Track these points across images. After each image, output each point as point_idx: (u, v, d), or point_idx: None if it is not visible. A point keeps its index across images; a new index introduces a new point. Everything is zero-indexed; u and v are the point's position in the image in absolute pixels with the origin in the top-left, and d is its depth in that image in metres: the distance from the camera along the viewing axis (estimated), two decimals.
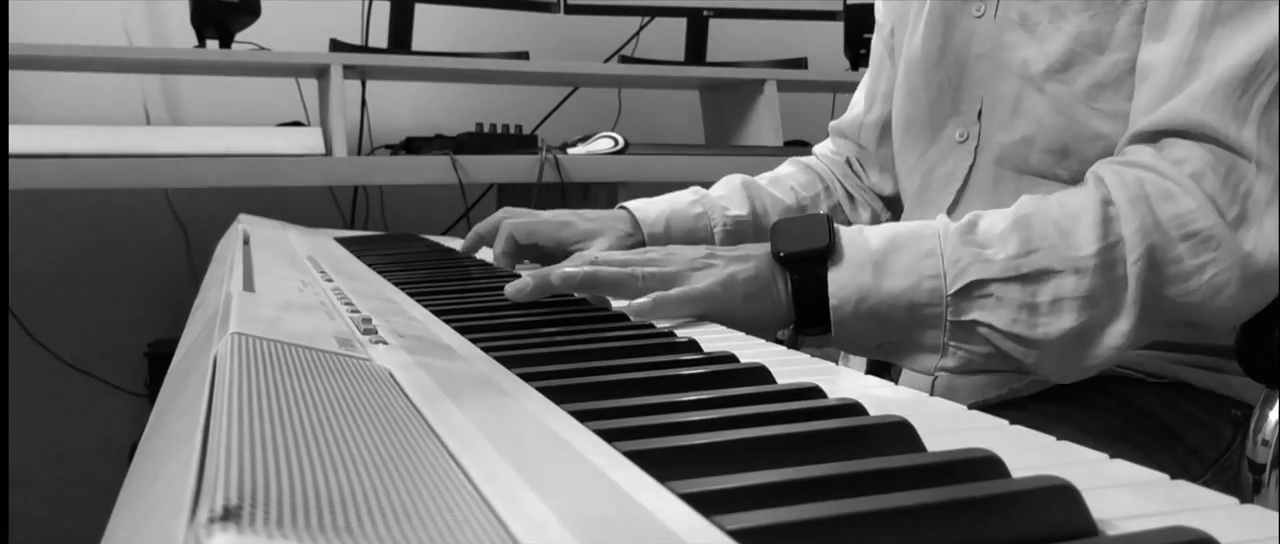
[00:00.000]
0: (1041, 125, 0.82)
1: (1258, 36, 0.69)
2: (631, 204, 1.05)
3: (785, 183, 1.10)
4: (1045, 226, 0.70)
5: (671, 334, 0.63)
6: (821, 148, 1.17)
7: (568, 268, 0.75)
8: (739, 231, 1.03)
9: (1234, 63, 0.69)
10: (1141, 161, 0.71)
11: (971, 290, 0.70)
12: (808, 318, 0.73)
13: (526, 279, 0.74)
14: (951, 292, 0.70)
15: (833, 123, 1.16)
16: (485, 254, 1.11)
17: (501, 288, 0.81)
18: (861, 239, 0.73)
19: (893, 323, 0.71)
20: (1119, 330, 0.69)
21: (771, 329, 0.74)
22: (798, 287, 0.73)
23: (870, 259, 0.72)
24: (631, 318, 0.71)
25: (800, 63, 2.12)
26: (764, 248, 0.76)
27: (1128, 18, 0.77)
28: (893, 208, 1.11)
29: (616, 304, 0.75)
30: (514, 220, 1.02)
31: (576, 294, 0.77)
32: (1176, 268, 0.69)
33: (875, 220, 1.10)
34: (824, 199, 1.11)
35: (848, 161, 1.13)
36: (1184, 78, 0.72)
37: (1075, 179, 0.79)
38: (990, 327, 0.70)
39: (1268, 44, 0.69)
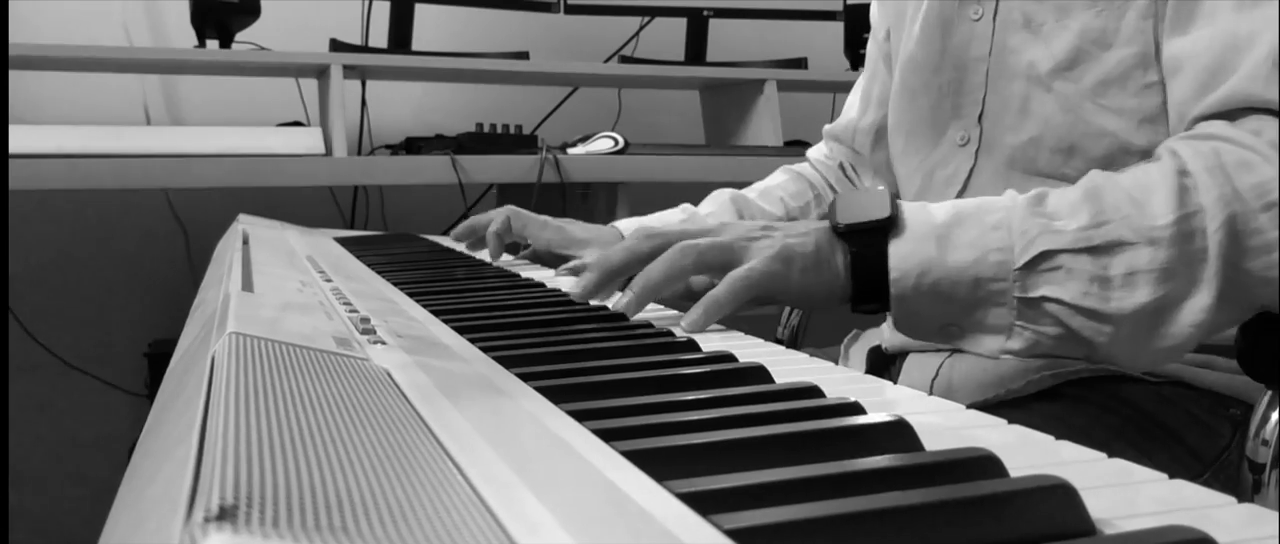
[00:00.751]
0: (1049, 125, 0.82)
1: None
2: (621, 223, 1.09)
3: (774, 194, 1.11)
4: (1118, 197, 0.67)
5: (670, 333, 0.63)
6: (815, 152, 1.18)
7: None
8: None
9: None
10: (1216, 133, 0.69)
11: (1039, 262, 0.67)
12: (865, 293, 0.70)
13: (589, 275, 0.75)
14: (1019, 264, 0.67)
15: (827, 126, 1.16)
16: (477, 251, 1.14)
17: (501, 288, 0.81)
18: (925, 213, 0.70)
19: (956, 300, 0.68)
20: (1198, 306, 0.66)
21: (827, 306, 0.71)
22: (857, 259, 0.70)
23: (934, 232, 0.69)
24: (685, 331, 0.69)
25: (800, 63, 2.12)
26: (822, 223, 0.73)
27: (1134, 12, 0.77)
28: None
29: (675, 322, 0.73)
30: (515, 210, 1.07)
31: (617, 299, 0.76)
32: (1259, 239, 0.65)
33: None
34: (814, 208, 1.11)
35: (841, 166, 1.13)
36: (1233, 58, 0.69)
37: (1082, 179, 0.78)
38: (1059, 302, 0.66)
39: None
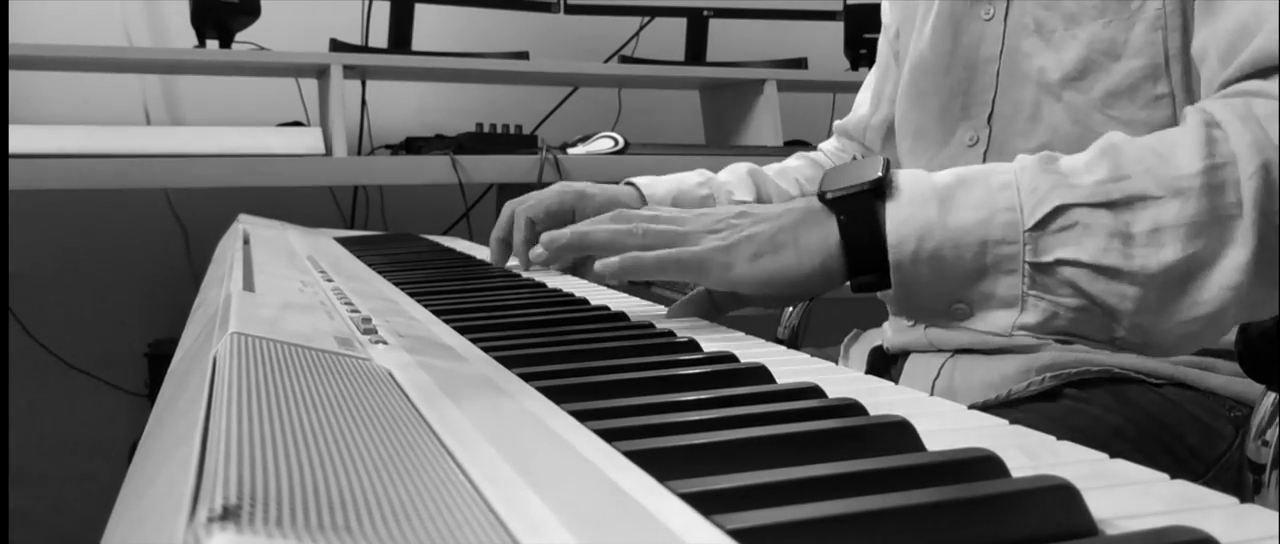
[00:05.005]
0: (1058, 134, 0.81)
1: None
2: (639, 179, 1.05)
3: (791, 175, 1.11)
4: (1138, 151, 0.61)
5: (671, 334, 0.63)
6: (827, 145, 1.18)
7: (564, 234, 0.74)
8: None
9: None
10: (1247, 89, 0.64)
11: (1053, 219, 0.60)
12: (860, 264, 0.64)
13: (540, 250, 0.75)
14: (1030, 225, 0.61)
15: (838, 122, 1.16)
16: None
17: (501, 288, 0.81)
18: (925, 176, 0.64)
19: (961, 270, 0.62)
20: (1233, 264, 0.58)
21: (821, 284, 0.66)
22: (846, 228, 0.64)
23: (935, 194, 0.62)
24: (605, 277, 0.70)
25: (800, 63, 2.12)
26: (808, 198, 0.67)
27: (1143, 24, 0.76)
28: None
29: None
30: (524, 205, 1.00)
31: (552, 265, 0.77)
32: None
33: None
34: None
35: (855, 159, 1.13)
36: (1255, 25, 0.65)
37: None
38: (1077, 263, 0.60)
39: None
